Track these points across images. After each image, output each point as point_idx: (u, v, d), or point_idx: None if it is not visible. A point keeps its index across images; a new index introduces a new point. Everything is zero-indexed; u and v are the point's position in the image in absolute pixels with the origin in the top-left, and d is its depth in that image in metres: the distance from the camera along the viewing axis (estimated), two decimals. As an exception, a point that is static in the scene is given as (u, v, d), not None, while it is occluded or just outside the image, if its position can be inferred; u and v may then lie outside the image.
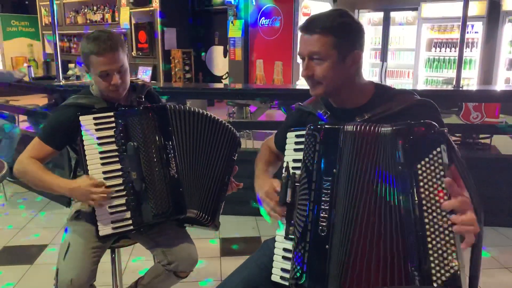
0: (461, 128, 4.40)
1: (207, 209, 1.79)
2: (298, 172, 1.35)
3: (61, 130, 1.76)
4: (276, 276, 1.38)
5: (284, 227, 1.36)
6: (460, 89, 3.65)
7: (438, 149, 1.11)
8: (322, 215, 1.25)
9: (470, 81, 6.86)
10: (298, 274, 1.27)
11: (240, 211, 3.58)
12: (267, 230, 3.40)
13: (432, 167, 1.11)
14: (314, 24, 1.32)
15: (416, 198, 1.12)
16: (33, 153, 1.75)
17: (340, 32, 1.31)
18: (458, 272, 1.07)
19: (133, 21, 8.29)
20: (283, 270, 1.36)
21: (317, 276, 1.25)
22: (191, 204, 1.77)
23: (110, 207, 1.67)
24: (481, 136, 4.84)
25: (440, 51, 7.18)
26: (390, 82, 7.60)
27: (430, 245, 1.10)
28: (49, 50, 9.96)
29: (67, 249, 1.73)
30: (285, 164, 1.40)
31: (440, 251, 1.09)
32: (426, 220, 1.11)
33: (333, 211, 1.24)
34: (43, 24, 10.09)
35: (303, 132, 1.36)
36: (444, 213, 1.10)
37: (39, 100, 6.58)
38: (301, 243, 1.27)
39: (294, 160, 1.39)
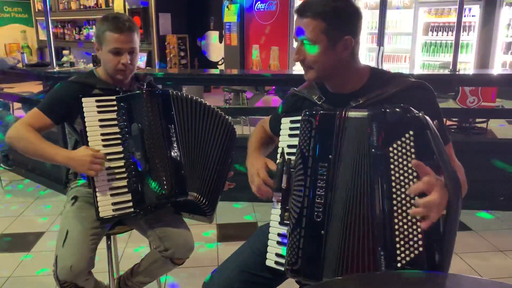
0: (458, 112, 4.40)
1: (206, 194, 1.79)
2: (293, 157, 1.34)
3: (61, 103, 1.78)
4: (270, 261, 1.38)
5: (280, 212, 1.36)
6: (457, 73, 3.64)
7: (411, 132, 1.13)
8: (318, 201, 1.25)
9: (467, 65, 6.83)
10: (293, 260, 1.27)
11: (237, 197, 3.60)
12: (264, 216, 3.41)
13: (404, 150, 1.13)
14: (307, 8, 1.31)
15: (385, 180, 1.14)
16: (29, 122, 1.74)
17: (331, 17, 1.28)
18: (422, 254, 1.10)
19: (127, 6, 8.19)
20: (277, 255, 1.37)
21: (313, 261, 1.25)
22: (191, 187, 1.77)
23: (110, 188, 1.67)
24: (477, 120, 4.85)
25: (437, 35, 7.13)
26: (386, 66, 7.56)
27: (396, 226, 1.12)
28: (42, 36, 9.84)
29: (66, 236, 1.73)
30: (280, 150, 1.40)
31: (406, 233, 1.11)
32: (394, 202, 1.13)
33: (328, 197, 1.24)
34: (36, 10, 9.96)
35: (298, 118, 1.35)
36: (412, 195, 1.12)
37: (34, 87, 6.52)
38: (297, 228, 1.28)
39: (289, 146, 1.39)
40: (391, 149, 1.14)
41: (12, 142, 1.73)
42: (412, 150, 1.13)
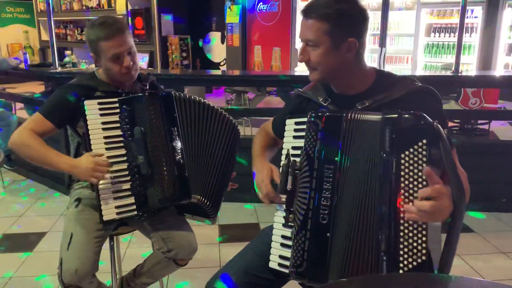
0: (460, 114, 4.39)
1: (209, 196, 1.79)
2: (298, 159, 1.34)
3: (63, 108, 1.77)
4: (274, 263, 1.38)
5: (284, 214, 1.36)
6: (459, 74, 3.63)
7: (424, 141, 1.12)
8: (324, 203, 1.25)
9: (469, 66, 6.83)
10: (298, 262, 1.27)
11: (239, 198, 3.60)
12: (266, 216, 3.41)
13: (416, 158, 1.13)
14: (311, 9, 1.31)
15: (394, 186, 1.14)
16: (32, 127, 1.73)
17: (335, 19, 1.28)
18: (425, 263, 1.10)
19: (129, 7, 8.20)
20: (281, 257, 1.37)
21: (318, 264, 1.25)
22: (194, 190, 1.77)
23: (114, 191, 1.67)
24: (479, 122, 4.84)
25: (439, 36, 7.12)
26: (388, 68, 7.55)
27: (402, 233, 1.12)
28: (45, 36, 9.85)
29: (70, 239, 1.73)
30: (285, 152, 1.40)
31: (410, 240, 1.12)
32: (402, 209, 1.13)
33: (334, 199, 1.24)
34: (39, 11, 9.95)
35: (303, 119, 1.35)
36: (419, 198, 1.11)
37: (36, 88, 6.53)
38: (302, 230, 1.27)
39: (294, 148, 1.39)
40: (403, 155, 1.14)
41: (15, 148, 1.73)
42: (424, 159, 1.12)
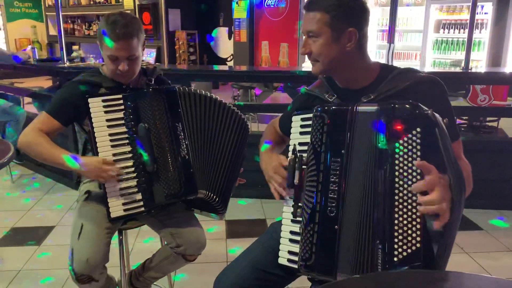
0: (468, 111, 4.35)
1: (217, 191, 1.79)
2: (304, 155, 1.34)
3: (69, 105, 1.77)
4: (283, 259, 1.38)
5: (292, 210, 1.36)
6: (469, 71, 3.60)
7: (418, 129, 1.13)
8: (331, 196, 1.26)
9: (479, 63, 6.76)
10: (307, 255, 1.27)
11: (246, 193, 3.60)
12: (273, 212, 3.41)
13: (410, 146, 1.14)
14: (313, 2, 1.35)
15: (388, 175, 1.15)
16: (39, 127, 1.74)
17: (334, 9, 1.31)
18: (419, 250, 1.11)
19: (137, 2, 8.21)
20: (290, 252, 1.37)
21: (327, 257, 1.25)
22: (201, 185, 1.77)
23: (121, 189, 1.67)
24: (488, 119, 4.79)
25: (448, 32, 7.06)
26: (397, 64, 7.48)
27: (396, 221, 1.13)
28: (52, 31, 9.90)
29: (81, 229, 1.74)
30: (291, 147, 1.40)
31: (405, 228, 1.13)
32: (396, 197, 1.14)
33: (341, 192, 1.24)
34: (47, 5, 10.00)
35: (309, 115, 1.36)
36: (415, 192, 1.12)
37: (44, 82, 6.56)
38: (310, 224, 1.27)
39: (300, 144, 1.39)
40: (397, 144, 1.15)
41: (23, 148, 1.74)
42: (418, 147, 1.13)
